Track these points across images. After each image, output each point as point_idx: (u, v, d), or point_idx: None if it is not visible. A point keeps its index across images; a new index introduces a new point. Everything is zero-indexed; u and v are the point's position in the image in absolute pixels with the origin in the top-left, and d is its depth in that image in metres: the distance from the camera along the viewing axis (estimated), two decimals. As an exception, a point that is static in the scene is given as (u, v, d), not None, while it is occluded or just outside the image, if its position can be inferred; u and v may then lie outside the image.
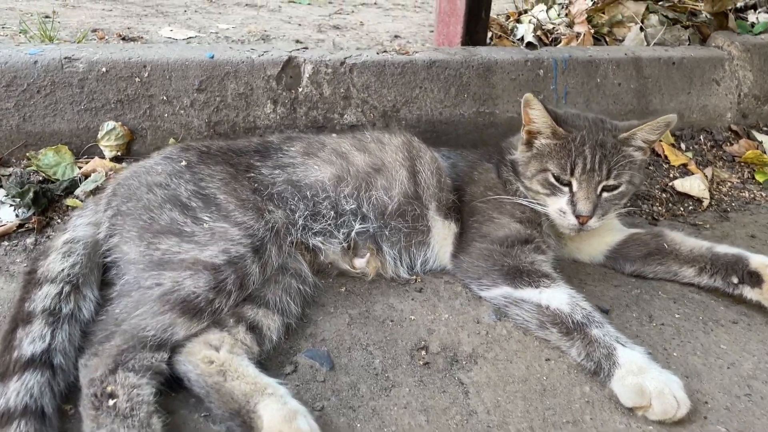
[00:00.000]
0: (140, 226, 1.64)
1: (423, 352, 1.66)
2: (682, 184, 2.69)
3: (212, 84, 2.29)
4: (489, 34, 3.57)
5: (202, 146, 1.91)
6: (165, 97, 2.23)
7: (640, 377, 1.50)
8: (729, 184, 2.83)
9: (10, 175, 2.01)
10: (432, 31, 3.89)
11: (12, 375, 1.33)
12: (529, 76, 2.74)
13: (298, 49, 2.48)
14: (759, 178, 2.87)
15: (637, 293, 1.96)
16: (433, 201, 1.98)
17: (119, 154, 2.17)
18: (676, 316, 1.86)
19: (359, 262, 1.89)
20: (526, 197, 2.00)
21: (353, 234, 1.88)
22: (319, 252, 1.86)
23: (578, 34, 3.30)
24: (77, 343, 1.48)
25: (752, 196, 2.76)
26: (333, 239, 1.86)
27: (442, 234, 1.98)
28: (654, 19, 3.32)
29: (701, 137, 3.06)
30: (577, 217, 1.89)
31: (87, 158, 2.14)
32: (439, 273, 1.99)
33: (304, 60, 2.42)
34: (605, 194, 1.93)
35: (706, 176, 2.82)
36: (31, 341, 1.40)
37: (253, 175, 1.86)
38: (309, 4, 5.35)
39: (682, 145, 3.00)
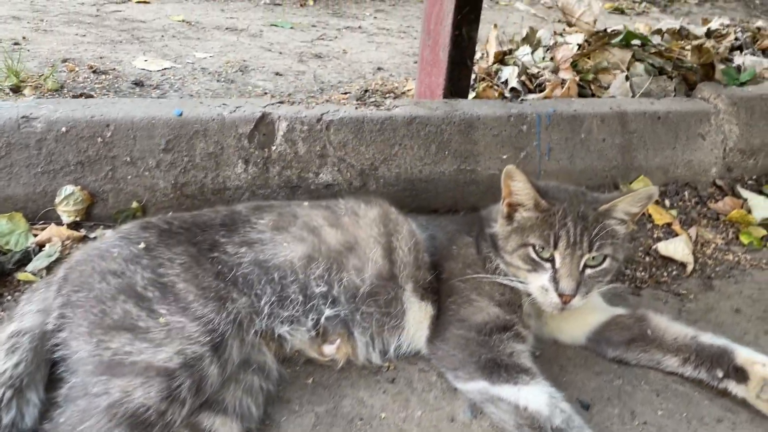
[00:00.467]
0: (91, 320, 1.53)
1: (393, 459, 1.57)
2: (666, 248, 2.61)
3: (180, 143, 2.18)
4: (474, 77, 3.49)
5: (164, 223, 1.80)
6: (129, 158, 2.12)
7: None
8: (713, 245, 2.77)
9: (-43, 244, 1.89)
10: (416, 62, 3.79)
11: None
12: (511, 131, 2.66)
13: (273, 104, 2.38)
14: (744, 239, 2.81)
15: (619, 384, 1.88)
16: (410, 281, 1.89)
17: (78, 219, 2.05)
18: (659, 413, 1.78)
19: (329, 349, 1.79)
20: (506, 275, 1.91)
21: (323, 320, 1.78)
22: (286, 342, 1.75)
23: (563, 81, 3.22)
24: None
25: (737, 259, 2.69)
26: (301, 326, 1.76)
27: (418, 317, 1.89)
28: (640, 67, 3.25)
29: (686, 193, 3.00)
30: (560, 295, 1.80)
31: (44, 224, 2.02)
32: (414, 358, 1.90)
33: (279, 117, 2.32)
34: (588, 271, 1.84)
35: (690, 237, 2.75)
36: (-37, 463, 1.28)
37: (217, 254, 1.75)
38: (291, 28, 5.24)
39: (667, 202, 2.94)
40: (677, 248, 2.61)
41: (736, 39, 4.21)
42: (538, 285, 1.84)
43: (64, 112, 2.09)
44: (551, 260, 1.83)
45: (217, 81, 3.67)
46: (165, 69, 3.73)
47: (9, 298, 1.84)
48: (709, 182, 3.10)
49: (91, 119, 2.10)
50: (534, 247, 1.84)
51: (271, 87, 3.68)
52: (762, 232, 2.87)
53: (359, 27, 5.59)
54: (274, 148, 2.30)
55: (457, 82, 2.92)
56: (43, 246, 1.94)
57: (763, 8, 8.70)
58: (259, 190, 2.29)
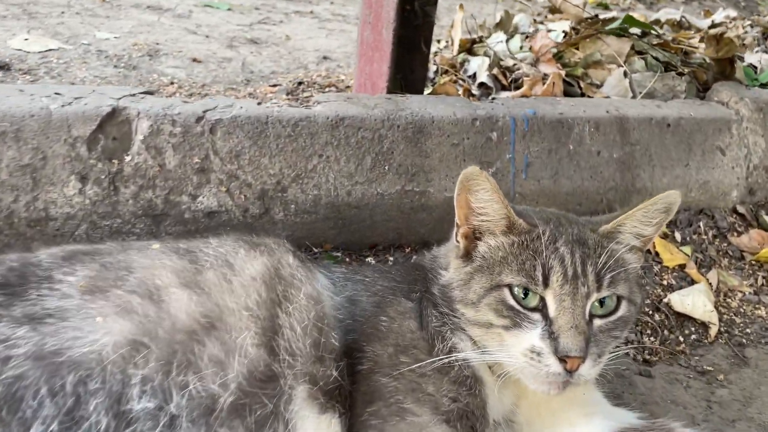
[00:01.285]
0: None
1: None
2: (682, 302, 1.94)
3: (-26, 150, 1.43)
4: (434, 68, 2.80)
5: None
6: None
7: None
8: (739, 295, 2.10)
9: None
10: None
11: None
12: (477, 140, 1.96)
13: (133, 95, 1.64)
14: (777, 286, 2.15)
15: None
16: (303, 383, 1.18)
17: None
18: None
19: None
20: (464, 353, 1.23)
21: (141, 459, 1.06)
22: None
23: (545, 76, 2.53)
24: None
25: (771, 315, 2.03)
26: (102, 475, 1.04)
27: (314, 439, 1.17)
28: (639, 63, 2.58)
29: (701, 223, 2.32)
30: (562, 360, 1.15)
31: None
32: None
33: (139, 113, 1.59)
34: (598, 322, 1.22)
35: (711, 285, 2.08)
36: None
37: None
38: (229, 9, 4.48)
39: (677, 235, 2.26)
40: (696, 302, 1.94)
41: (745, 33, 3.59)
42: (523, 348, 1.19)
43: None
44: (541, 309, 1.20)
45: (114, 67, 2.93)
46: (49, 50, 2.96)
47: None
48: (729, 209, 2.44)
49: None
50: (511, 288, 1.21)
51: (182, 76, 2.95)
52: (799, 276, 2.21)
53: (311, 12, 4.85)
54: (128, 158, 1.57)
55: (409, 73, 2.22)
56: None
57: (752, 8, 8.21)
58: (104, 220, 1.56)
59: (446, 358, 1.22)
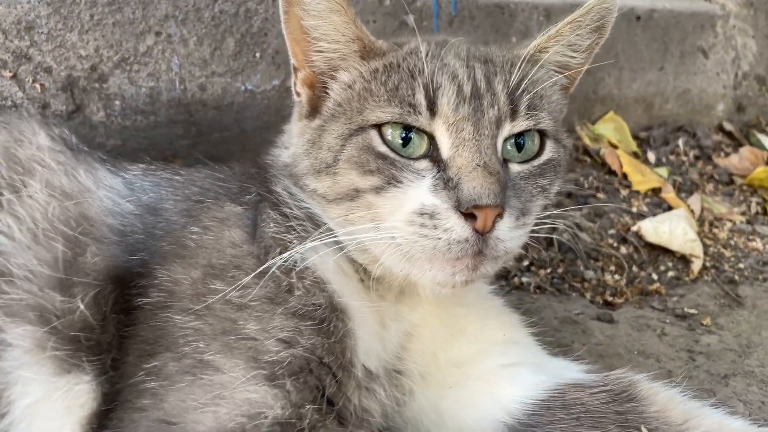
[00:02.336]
0: None
1: None
2: (656, 230, 1.49)
3: None
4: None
5: None
6: None
7: None
8: (728, 224, 1.66)
9: None
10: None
11: None
12: (387, 24, 1.50)
13: None
14: (775, 213, 1.71)
15: None
16: (25, 321, 0.72)
17: None
18: None
19: None
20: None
21: None
22: None
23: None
24: None
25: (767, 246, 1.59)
26: None
27: (47, 421, 0.71)
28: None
29: (680, 142, 1.88)
30: (469, 215, 0.73)
31: None
32: None
33: None
34: (516, 167, 0.83)
35: (693, 212, 1.63)
36: None
37: None
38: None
39: (651, 155, 1.81)
40: (674, 230, 1.49)
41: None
42: (407, 213, 0.78)
43: None
44: (429, 154, 0.80)
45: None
46: None
47: None
48: (713, 125, 1.99)
49: None
50: (381, 130, 0.80)
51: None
52: (799, 201, 1.77)
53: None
54: None
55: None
56: None
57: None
58: None
59: (280, 267, 0.76)
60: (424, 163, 0.77)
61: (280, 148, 0.93)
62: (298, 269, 0.78)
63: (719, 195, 1.78)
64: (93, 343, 0.75)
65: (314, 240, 0.80)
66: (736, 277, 1.46)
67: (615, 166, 1.70)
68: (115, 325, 0.76)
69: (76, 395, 0.73)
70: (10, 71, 1.19)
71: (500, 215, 0.73)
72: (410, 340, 0.89)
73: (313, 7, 0.79)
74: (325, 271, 0.81)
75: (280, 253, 0.79)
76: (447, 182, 0.74)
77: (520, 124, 0.80)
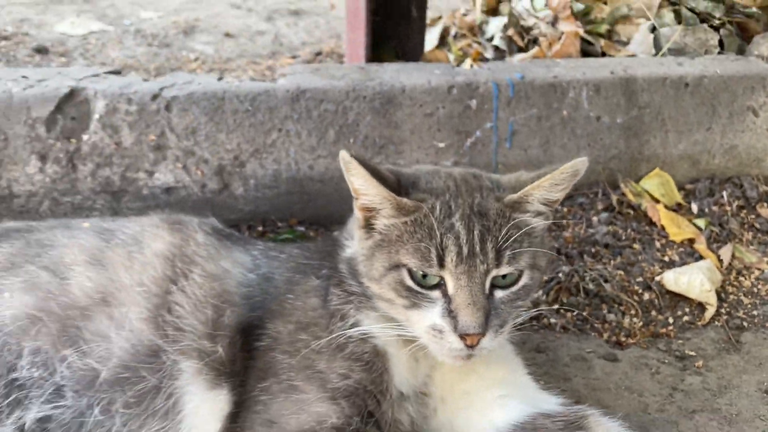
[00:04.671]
0: None
1: None
2: (676, 281, 1.77)
3: (-59, 132, 1.56)
4: (452, 32, 2.70)
5: None
6: None
7: None
8: (756, 273, 1.89)
9: None
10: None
11: None
12: (453, 109, 1.88)
13: (93, 76, 1.71)
14: (806, 263, 1.92)
15: None
16: (191, 359, 1.20)
17: None
18: None
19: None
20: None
21: (29, 423, 1.13)
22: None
23: (561, 36, 2.37)
24: None
25: (791, 296, 1.82)
26: (-14, 435, 1.12)
27: (201, 417, 1.19)
28: (668, 17, 2.34)
29: (724, 193, 2.11)
30: (463, 336, 1.12)
31: None
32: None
33: (96, 93, 1.65)
34: (499, 293, 1.17)
35: (722, 261, 1.89)
36: None
37: None
38: (283, -19, 4.52)
39: (693, 207, 2.06)
40: (693, 281, 1.76)
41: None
42: (425, 326, 1.16)
43: None
44: (441, 287, 1.15)
45: (148, 46, 3.05)
46: (90, 33, 3.14)
47: None
48: (763, 176, 2.19)
49: None
50: (409, 270, 1.16)
51: (210, 52, 3.03)
52: (837, 252, 1.96)
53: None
54: (86, 137, 1.65)
55: (405, 40, 2.18)
56: None
57: None
58: (64, 196, 1.65)
59: (340, 334, 1.20)
60: (437, 293, 1.15)
61: (344, 235, 1.36)
62: (353, 331, 1.22)
63: (756, 244, 2.00)
64: (228, 371, 1.22)
65: (363, 310, 1.23)
66: (745, 324, 1.72)
67: (655, 218, 1.99)
68: (241, 360, 1.24)
69: (218, 402, 1.21)
70: (181, 163, 1.72)
71: (483, 335, 1.12)
72: (434, 372, 1.29)
73: (357, 180, 1.18)
74: (374, 333, 1.23)
75: (341, 318, 1.23)
76: (450, 312, 1.12)
77: (503, 270, 1.15)
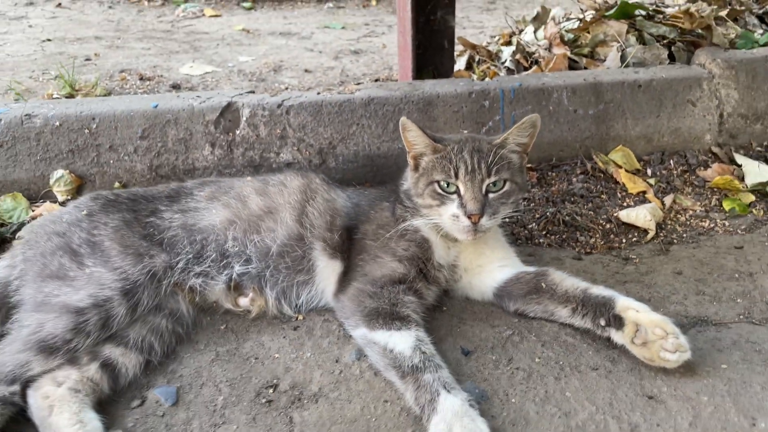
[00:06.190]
0: (35, 271, 1.90)
1: (271, 390, 1.80)
2: (627, 215, 2.61)
3: (154, 131, 2.54)
4: (477, 59, 3.60)
5: (112, 194, 2.15)
6: (110, 145, 2.51)
7: (451, 424, 1.56)
8: (690, 212, 2.71)
9: (-28, 219, 2.36)
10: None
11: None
12: (472, 107, 2.78)
13: (240, 94, 2.68)
14: (726, 205, 2.72)
15: (509, 335, 1.98)
16: (318, 241, 2.10)
17: (69, 197, 2.46)
18: (536, 360, 1.87)
19: (243, 302, 2.05)
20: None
21: (235, 275, 2.05)
22: (198, 292, 2.04)
23: (555, 57, 3.26)
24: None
25: (712, 225, 2.63)
26: (213, 280, 2.03)
27: (326, 273, 2.09)
28: (632, 40, 3.21)
29: (671, 161, 2.94)
30: (469, 216, 1.97)
31: (42, 202, 2.46)
32: (323, 311, 2.11)
33: (243, 104, 2.62)
34: (491, 195, 2.02)
35: (664, 205, 2.71)
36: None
37: (152, 219, 2.07)
38: (343, 28, 5.55)
39: (649, 171, 2.90)
40: (639, 215, 2.60)
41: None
42: (449, 215, 2.01)
43: (59, 110, 2.52)
44: (457, 191, 2.02)
45: (249, 81, 4.06)
46: (206, 73, 4.17)
47: (5, 260, 2.28)
48: (704, 150, 3.01)
49: (80, 114, 2.51)
50: (439, 183, 2.04)
51: (295, 83, 4.01)
52: (750, 198, 2.76)
53: (411, 22, 5.79)
54: (238, 132, 2.61)
55: (440, 65, 3.08)
56: (36, 219, 2.37)
57: None
58: (225, 169, 2.60)
59: (403, 227, 2.10)
60: (454, 196, 2.02)
61: (402, 180, 2.26)
62: (409, 225, 2.11)
63: (693, 195, 2.82)
64: (339, 250, 2.11)
65: (416, 216, 2.13)
66: (675, 241, 2.54)
67: (618, 178, 2.83)
68: (347, 242, 2.13)
69: (335, 266, 2.10)
70: (296, 147, 2.66)
71: (481, 216, 1.98)
72: (460, 254, 2.16)
73: (412, 135, 2.08)
74: (420, 226, 2.12)
75: (403, 221, 2.13)
76: (462, 204, 1.98)
77: (492, 179, 2.02)
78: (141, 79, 3.96)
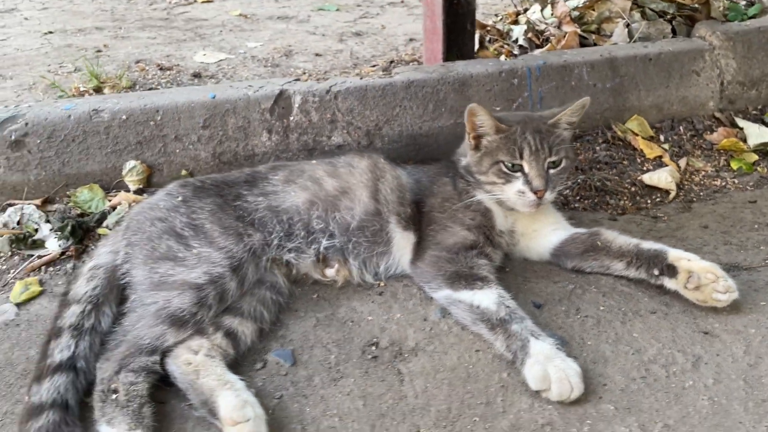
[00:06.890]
0: (145, 254, 2.07)
1: (373, 348, 2.02)
2: (650, 178, 2.89)
3: (215, 121, 2.70)
4: (487, 38, 3.82)
5: (198, 181, 2.32)
6: (175, 136, 2.66)
7: (545, 365, 1.81)
8: (702, 173, 3.00)
9: (54, 211, 2.50)
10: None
11: (45, 377, 1.78)
12: (503, 86, 3.00)
13: (289, 82, 2.85)
14: (734, 165, 3.03)
15: (572, 288, 2.24)
16: (393, 215, 2.32)
17: (141, 186, 2.62)
18: (601, 308, 2.13)
19: (329, 272, 2.26)
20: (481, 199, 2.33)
21: (321, 249, 2.25)
22: (293, 266, 2.24)
23: (565, 34, 3.49)
24: (96, 350, 1.92)
25: (723, 184, 2.93)
26: (304, 254, 2.24)
27: (401, 244, 2.31)
28: (636, 16, 3.47)
29: (681, 127, 3.22)
30: (535, 192, 2.21)
31: (115, 192, 2.61)
32: (401, 277, 2.33)
33: (294, 92, 2.80)
34: (551, 171, 2.27)
35: (680, 167, 3.00)
36: (60, 350, 1.85)
37: (239, 203, 2.25)
38: (337, 9, 5.69)
39: (662, 137, 3.18)
40: (661, 177, 2.88)
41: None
42: (514, 191, 2.25)
43: (124, 104, 2.66)
44: (521, 169, 2.25)
45: (264, 66, 4.19)
46: (220, 61, 4.28)
47: (92, 247, 2.43)
48: (708, 115, 3.30)
49: (144, 107, 2.65)
50: (504, 162, 2.26)
51: (310, 67, 4.16)
52: (754, 157, 3.07)
53: (402, 1, 5.97)
54: (291, 118, 2.78)
55: (462, 46, 3.28)
56: (115, 208, 2.52)
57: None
58: (282, 154, 2.78)
59: (468, 200, 2.32)
60: (519, 174, 2.25)
61: (459, 155, 2.48)
62: (474, 199, 2.34)
63: (702, 157, 3.11)
64: (412, 222, 2.33)
65: (478, 190, 2.36)
66: (694, 199, 2.83)
67: (636, 145, 3.10)
68: (417, 215, 2.35)
69: (409, 237, 2.31)
70: (345, 130, 2.85)
71: (545, 191, 2.22)
72: (516, 221, 2.41)
73: (481, 119, 2.28)
74: (483, 199, 2.35)
75: (466, 194, 2.36)
76: (527, 182, 2.22)
77: (552, 158, 2.25)
78: (160, 69, 4.06)
